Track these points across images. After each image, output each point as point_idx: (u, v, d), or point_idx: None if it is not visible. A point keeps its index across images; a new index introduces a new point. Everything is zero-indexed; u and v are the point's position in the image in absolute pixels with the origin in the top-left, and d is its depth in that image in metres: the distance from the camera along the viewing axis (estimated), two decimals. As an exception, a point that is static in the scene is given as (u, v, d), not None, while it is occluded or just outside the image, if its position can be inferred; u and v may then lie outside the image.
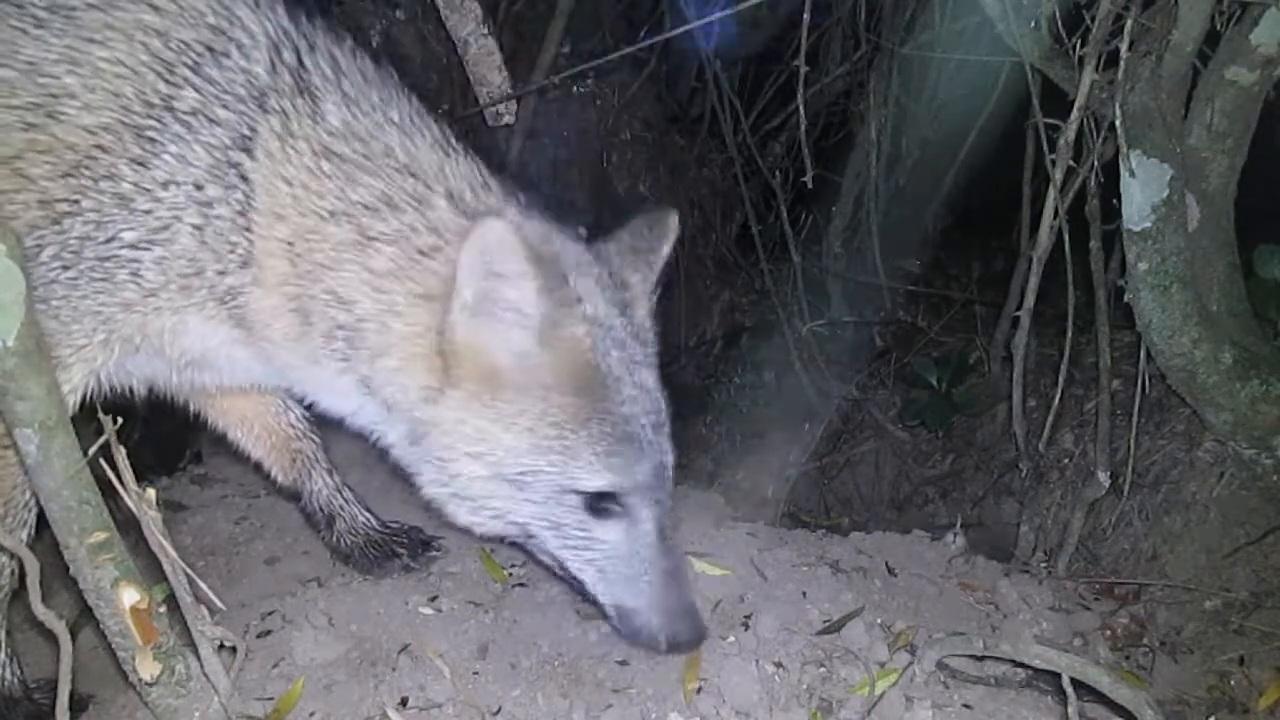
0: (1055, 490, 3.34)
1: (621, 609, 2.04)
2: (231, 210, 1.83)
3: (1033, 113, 3.01)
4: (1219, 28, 2.53)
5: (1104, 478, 2.85)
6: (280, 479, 2.46)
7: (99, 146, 1.78)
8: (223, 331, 1.95)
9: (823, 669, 2.07)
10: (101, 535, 1.57)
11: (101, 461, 1.56)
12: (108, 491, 1.59)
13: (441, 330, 1.81)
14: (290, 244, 1.86)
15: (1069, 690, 1.72)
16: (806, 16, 3.08)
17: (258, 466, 2.49)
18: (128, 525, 1.63)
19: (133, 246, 1.81)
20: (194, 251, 1.84)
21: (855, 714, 1.95)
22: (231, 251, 1.85)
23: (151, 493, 1.60)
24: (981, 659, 2.11)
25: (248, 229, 1.85)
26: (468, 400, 1.85)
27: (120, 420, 1.58)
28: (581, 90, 4.55)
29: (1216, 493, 2.79)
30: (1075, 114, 2.74)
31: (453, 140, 1.98)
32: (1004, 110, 3.98)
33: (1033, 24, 2.80)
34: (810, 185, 3.37)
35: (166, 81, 1.80)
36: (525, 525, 1.96)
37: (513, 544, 2.12)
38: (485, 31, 3.59)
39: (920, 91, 4.57)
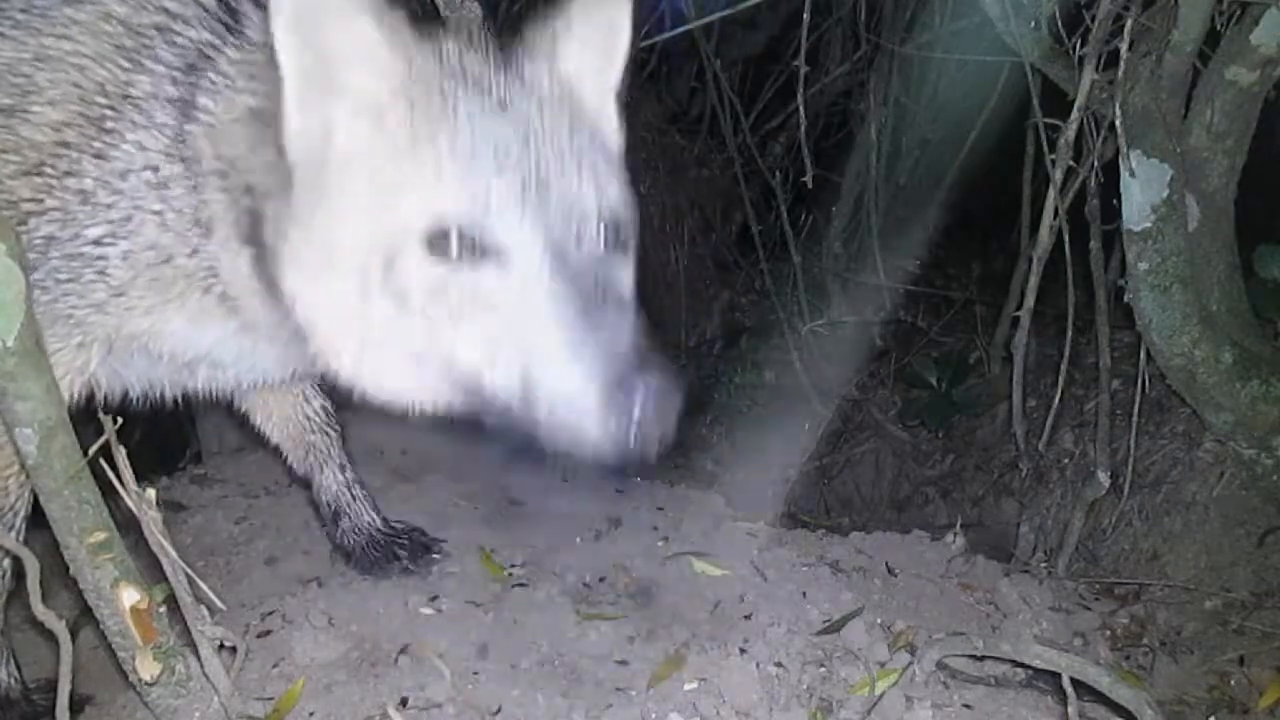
0: (1055, 490, 3.35)
1: (541, 409, 1.43)
2: (185, 185, 1.78)
3: (1033, 113, 3.01)
4: (1219, 28, 2.53)
5: (1104, 478, 2.86)
6: (295, 468, 2.47)
7: (62, 143, 1.75)
8: (216, 327, 1.90)
9: (823, 669, 2.07)
10: (101, 535, 1.57)
11: (101, 461, 1.56)
12: (108, 491, 1.59)
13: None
14: (224, 174, 1.76)
15: (1069, 690, 1.72)
16: (806, 16, 3.08)
17: (277, 450, 2.49)
18: (128, 525, 1.63)
19: (97, 243, 1.77)
20: (156, 237, 1.79)
21: (855, 714, 1.95)
22: (195, 225, 1.79)
23: (151, 493, 1.60)
24: (981, 659, 2.11)
25: (196, 188, 1.78)
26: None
27: (120, 420, 1.58)
28: (581, 90, 4.54)
29: (1216, 493, 2.80)
30: (1075, 114, 2.74)
31: None
32: (1004, 110, 3.97)
33: (1033, 24, 2.80)
34: (810, 185, 3.38)
35: (124, 70, 1.77)
36: (377, 336, 1.57)
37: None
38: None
39: (920, 91, 4.57)
